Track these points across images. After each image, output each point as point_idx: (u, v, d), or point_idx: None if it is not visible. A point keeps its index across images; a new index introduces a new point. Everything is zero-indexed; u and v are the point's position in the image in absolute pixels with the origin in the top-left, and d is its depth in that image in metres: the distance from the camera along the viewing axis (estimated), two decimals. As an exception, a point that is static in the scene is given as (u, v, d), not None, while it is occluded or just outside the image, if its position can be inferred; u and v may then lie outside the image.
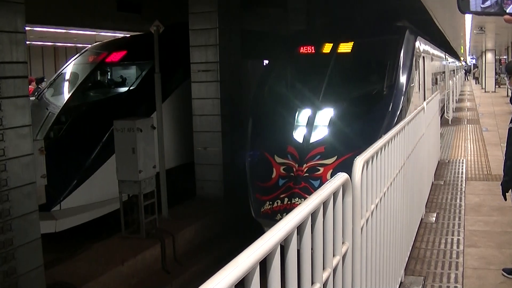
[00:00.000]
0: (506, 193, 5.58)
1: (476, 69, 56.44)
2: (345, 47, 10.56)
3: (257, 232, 7.14)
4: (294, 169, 8.58)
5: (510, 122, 5.36)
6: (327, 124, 9.19)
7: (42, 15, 13.15)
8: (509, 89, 29.68)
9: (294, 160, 8.72)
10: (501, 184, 5.57)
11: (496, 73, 37.97)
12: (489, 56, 37.36)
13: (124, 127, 8.53)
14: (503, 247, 6.20)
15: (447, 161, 11.69)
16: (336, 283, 2.65)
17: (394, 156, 4.34)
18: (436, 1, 12.46)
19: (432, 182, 9.33)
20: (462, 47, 34.06)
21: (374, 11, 14.31)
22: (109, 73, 12.38)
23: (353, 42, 10.59)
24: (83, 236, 9.47)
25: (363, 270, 3.16)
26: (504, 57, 41.78)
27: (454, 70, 34.09)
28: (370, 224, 3.39)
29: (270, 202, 8.34)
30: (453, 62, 33.63)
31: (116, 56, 12.16)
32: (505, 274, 5.36)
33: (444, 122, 18.10)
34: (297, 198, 8.14)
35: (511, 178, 5.36)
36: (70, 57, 14.01)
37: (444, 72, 22.80)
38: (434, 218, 7.43)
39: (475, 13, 2.16)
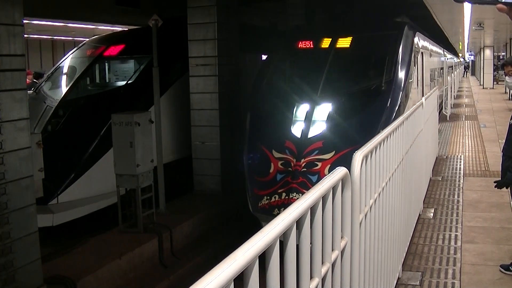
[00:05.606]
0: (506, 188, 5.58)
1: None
2: (344, 42, 10.54)
3: (255, 226, 7.14)
4: (292, 164, 8.57)
5: (511, 119, 5.36)
6: (325, 119, 9.17)
7: (40, 8, 13.09)
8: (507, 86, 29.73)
9: (292, 155, 8.71)
10: (502, 183, 5.56)
11: (494, 70, 38.00)
12: (488, 52, 37.37)
13: (122, 121, 8.50)
14: (501, 243, 6.21)
15: (445, 157, 11.69)
16: (334, 277, 2.65)
17: (392, 151, 4.34)
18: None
19: (430, 178, 9.33)
20: (460, 43, 34.03)
21: (373, 6, 14.29)
22: (107, 67, 12.35)
23: (351, 37, 10.57)
24: (81, 230, 9.46)
25: (361, 265, 3.16)
26: (503, 53, 41.82)
27: (452, 66, 34.09)
28: (369, 219, 3.38)
29: (268, 197, 8.33)
30: (451, 58, 33.62)
31: (114, 50, 12.13)
32: (502, 270, 5.37)
33: (442, 118, 18.10)
34: (294, 193, 8.13)
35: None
36: (68, 51, 13.97)
37: (442, 68, 22.80)
38: (432, 214, 7.43)
39: (470, 1, 2.17)
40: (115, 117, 8.59)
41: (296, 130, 9.16)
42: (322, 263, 2.47)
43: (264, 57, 13.86)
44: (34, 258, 6.42)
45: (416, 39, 11.63)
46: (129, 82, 11.46)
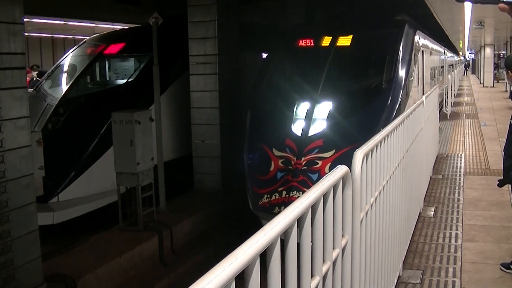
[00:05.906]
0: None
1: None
2: (344, 41, 10.53)
3: (255, 224, 7.14)
4: (293, 162, 8.57)
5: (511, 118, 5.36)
6: (326, 117, 9.17)
7: (41, 7, 13.09)
8: (508, 84, 29.72)
9: (293, 153, 8.71)
10: (504, 182, 5.56)
11: (494, 68, 37.97)
12: (488, 51, 37.33)
13: (122, 119, 8.50)
14: (501, 242, 6.21)
15: (445, 155, 11.69)
16: (335, 276, 2.65)
17: (393, 149, 4.33)
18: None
19: (431, 176, 9.33)
20: (461, 41, 34.00)
21: (373, 5, 14.27)
22: (107, 65, 12.34)
23: (352, 36, 10.56)
24: (81, 228, 9.46)
25: (362, 263, 3.16)
26: (503, 52, 41.78)
27: (452, 65, 34.07)
28: (370, 217, 3.38)
29: (268, 195, 8.33)
30: (452, 56, 33.60)
31: (114, 48, 12.12)
32: (503, 268, 5.36)
33: (442, 116, 18.09)
34: (295, 192, 8.12)
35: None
36: (68, 49, 13.96)
37: (443, 67, 22.79)
38: (432, 212, 7.43)
39: (472, 1, 2.19)
40: (115, 115, 8.58)
41: (297, 128, 9.15)
42: (323, 262, 2.47)
43: (264, 55, 13.86)
44: (34, 257, 6.42)
45: (416, 38, 11.62)
46: (129, 80, 11.46)
